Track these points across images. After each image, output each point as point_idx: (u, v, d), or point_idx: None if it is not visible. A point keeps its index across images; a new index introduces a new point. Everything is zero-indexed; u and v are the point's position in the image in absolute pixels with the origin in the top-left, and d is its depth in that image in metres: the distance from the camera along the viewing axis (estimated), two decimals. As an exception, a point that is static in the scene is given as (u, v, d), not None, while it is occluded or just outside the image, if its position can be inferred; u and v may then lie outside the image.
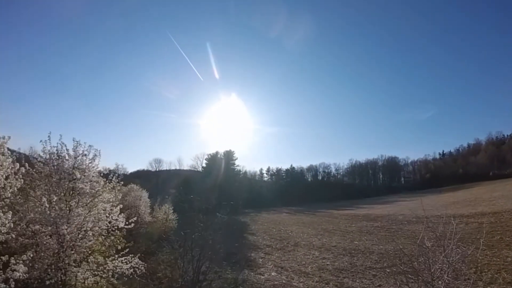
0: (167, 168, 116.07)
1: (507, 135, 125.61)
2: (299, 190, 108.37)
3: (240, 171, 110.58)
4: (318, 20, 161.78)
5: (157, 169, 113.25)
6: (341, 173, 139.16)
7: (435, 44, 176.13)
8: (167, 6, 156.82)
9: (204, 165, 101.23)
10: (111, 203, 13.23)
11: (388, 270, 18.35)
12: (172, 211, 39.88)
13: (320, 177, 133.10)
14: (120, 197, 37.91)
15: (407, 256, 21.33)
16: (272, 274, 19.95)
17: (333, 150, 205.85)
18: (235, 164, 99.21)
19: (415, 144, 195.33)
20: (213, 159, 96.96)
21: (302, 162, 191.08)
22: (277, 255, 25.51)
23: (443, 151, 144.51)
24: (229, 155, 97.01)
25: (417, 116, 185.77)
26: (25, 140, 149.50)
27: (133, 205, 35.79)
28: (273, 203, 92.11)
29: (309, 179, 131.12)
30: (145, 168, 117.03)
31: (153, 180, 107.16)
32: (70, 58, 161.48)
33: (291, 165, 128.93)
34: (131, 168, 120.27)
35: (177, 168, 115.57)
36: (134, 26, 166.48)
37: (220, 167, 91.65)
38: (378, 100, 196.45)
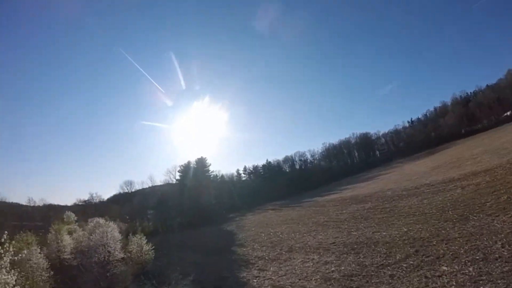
0: (141, 188, 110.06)
1: (471, 92, 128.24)
2: (279, 183, 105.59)
3: (216, 176, 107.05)
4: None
5: (130, 191, 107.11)
6: (317, 158, 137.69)
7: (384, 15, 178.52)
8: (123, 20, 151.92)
9: (178, 177, 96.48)
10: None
11: (405, 265, 15.66)
12: (146, 240, 35.91)
13: (297, 166, 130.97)
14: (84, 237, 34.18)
15: (419, 240, 19.14)
16: (272, 298, 16.93)
17: (306, 137, 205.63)
18: (209, 170, 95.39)
19: (383, 117, 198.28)
20: (186, 170, 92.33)
21: (277, 155, 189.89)
22: (272, 269, 22.38)
23: (411, 118, 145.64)
24: (201, 162, 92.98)
25: (379, 90, 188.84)
26: None
27: (100, 243, 32.37)
28: (256, 201, 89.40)
29: (287, 170, 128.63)
30: (121, 192, 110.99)
31: (128, 203, 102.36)
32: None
33: (267, 160, 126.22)
34: (107, 195, 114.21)
35: (151, 185, 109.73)
36: (91, 48, 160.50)
37: (194, 177, 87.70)
38: (341, 82, 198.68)
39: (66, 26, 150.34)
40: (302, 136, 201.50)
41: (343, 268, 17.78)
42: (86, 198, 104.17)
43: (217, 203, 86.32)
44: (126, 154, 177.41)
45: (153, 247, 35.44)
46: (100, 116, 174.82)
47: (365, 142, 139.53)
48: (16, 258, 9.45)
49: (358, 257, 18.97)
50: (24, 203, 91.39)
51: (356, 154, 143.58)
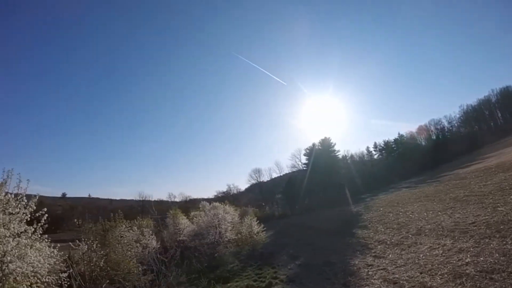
0: (268, 175, 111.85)
1: None
2: (414, 157, 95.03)
3: (346, 156, 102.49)
4: None
5: (258, 180, 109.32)
6: (456, 125, 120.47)
7: None
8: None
9: (305, 160, 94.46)
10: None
11: None
12: (257, 221, 35.18)
13: (433, 136, 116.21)
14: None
15: None
16: (379, 298, 13.19)
17: (440, 102, 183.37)
18: (335, 150, 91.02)
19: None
20: (311, 152, 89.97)
21: (410, 126, 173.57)
22: (391, 257, 18.40)
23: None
24: (326, 143, 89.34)
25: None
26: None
27: (211, 225, 33.45)
28: (389, 180, 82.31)
29: (423, 143, 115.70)
30: (254, 181, 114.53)
31: (259, 191, 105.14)
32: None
33: (399, 133, 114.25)
34: (244, 185, 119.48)
35: (279, 174, 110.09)
36: (207, 51, 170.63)
37: (319, 158, 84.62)
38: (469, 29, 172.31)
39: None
40: (435, 102, 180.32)
41: (482, 259, 13.04)
42: (224, 190, 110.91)
43: (345, 183, 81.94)
44: (255, 144, 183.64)
45: (265, 228, 34.98)
46: (229, 112, 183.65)
47: (508, 98, 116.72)
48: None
49: (504, 242, 13.90)
50: (165, 199, 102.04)
51: (499, 114, 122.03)
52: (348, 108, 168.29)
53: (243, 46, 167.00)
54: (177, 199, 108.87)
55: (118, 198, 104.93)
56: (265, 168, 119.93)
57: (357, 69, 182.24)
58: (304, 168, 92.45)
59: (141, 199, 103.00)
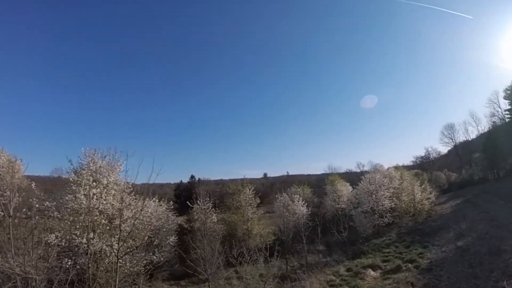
0: (464, 129, 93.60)
1: None
2: None
3: None
4: None
5: (452, 138, 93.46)
6: None
7: None
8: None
9: (506, 106, 74.74)
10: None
11: None
12: (421, 187, 30.91)
13: None
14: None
15: None
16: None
17: None
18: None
19: None
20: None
21: None
22: None
23: None
24: (529, 78, 68.45)
25: None
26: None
27: (366, 190, 31.83)
28: None
29: None
30: (449, 141, 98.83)
31: (453, 151, 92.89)
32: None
33: None
34: (446, 147, 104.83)
35: (475, 127, 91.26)
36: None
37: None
38: None
39: None
40: None
41: None
42: (423, 154, 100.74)
43: None
44: (444, 98, 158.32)
45: (431, 194, 29.89)
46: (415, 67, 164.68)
47: None
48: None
49: None
50: (354, 169, 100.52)
51: None
52: None
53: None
54: (365, 168, 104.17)
55: (319, 173, 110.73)
56: (459, 122, 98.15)
57: None
58: (507, 116, 73.98)
59: (330, 171, 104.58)
